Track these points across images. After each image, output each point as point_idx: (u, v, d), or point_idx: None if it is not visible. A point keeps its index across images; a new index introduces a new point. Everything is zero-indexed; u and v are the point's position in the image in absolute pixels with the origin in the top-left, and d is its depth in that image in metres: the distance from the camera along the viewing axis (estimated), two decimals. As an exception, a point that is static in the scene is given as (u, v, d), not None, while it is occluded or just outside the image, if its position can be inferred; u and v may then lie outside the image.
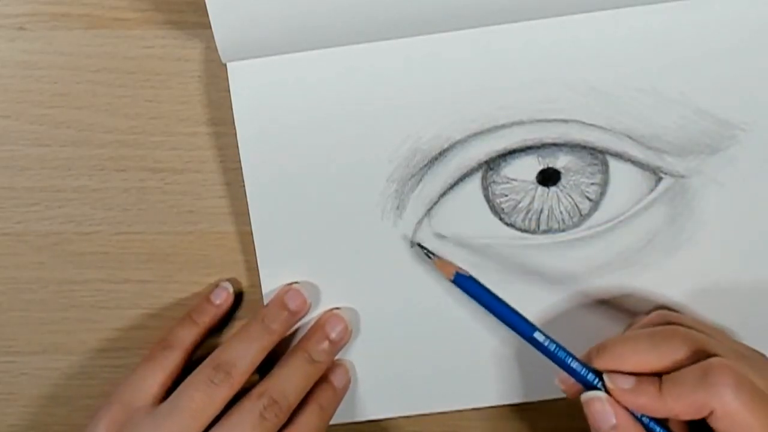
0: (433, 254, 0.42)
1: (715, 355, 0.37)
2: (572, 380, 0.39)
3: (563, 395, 0.46)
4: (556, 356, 0.40)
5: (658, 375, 0.38)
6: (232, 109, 0.41)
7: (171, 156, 0.43)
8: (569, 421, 0.47)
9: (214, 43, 0.38)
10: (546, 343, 0.40)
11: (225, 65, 0.40)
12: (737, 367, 0.36)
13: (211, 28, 0.37)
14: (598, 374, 0.39)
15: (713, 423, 0.36)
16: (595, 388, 0.39)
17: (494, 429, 0.47)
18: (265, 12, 0.37)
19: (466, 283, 0.42)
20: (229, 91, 0.40)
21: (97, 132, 0.43)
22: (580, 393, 0.39)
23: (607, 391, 0.38)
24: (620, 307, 0.44)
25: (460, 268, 0.42)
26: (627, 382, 0.38)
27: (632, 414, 0.38)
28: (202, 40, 0.42)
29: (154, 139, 0.43)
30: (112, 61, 0.42)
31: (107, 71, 0.42)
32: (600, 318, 0.44)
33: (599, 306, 0.44)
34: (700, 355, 0.37)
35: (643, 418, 0.38)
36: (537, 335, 0.40)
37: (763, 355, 0.40)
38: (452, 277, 0.42)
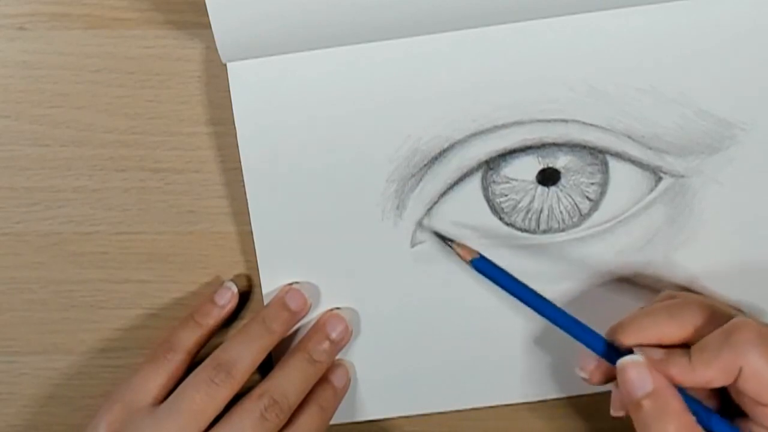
0: (450, 240, 0.42)
1: (734, 316, 0.37)
2: (593, 365, 0.39)
3: (563, 395, 0.46)
4: (585, 335, 0.39)
5: (685, 347, 0.38)
6: (232, 109, 0.41)
7: (171, 156, 0.43)
8: (569, 421, 0.47)
9: (214, 43, 0.38)
10: (573, 324, 0.40)
11: (225, 65, 0.40)
12: (759, 324, 0.36)
13: (211, 28, 0.37)
14: (624, 352, 0.38)
15: (743, 385, 0.36)
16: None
17: (494, 429, 0.47)
18: (265, 12, 0.37)
19: (485, 267, 0.42)
20: (229, 91, 0.40)
21: (97, 132, 0.43)
22: (602, 379, 0.39)
23: None
24: (620, 307, 0.44)
25: (479, 253, 0.42)
26: (657, 353, 0.38)
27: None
28: (202, 40, 0.42)
29: (154, 139, 0.43)
30: (112, 61, 0.42)
31: (107, 71, 0.42)
32: (600, 317, 0.44)
33: (599, 306, 0.44)
34: (721, 320, 0.37)
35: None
36: (563, 314, 0.40)
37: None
38: (471, 260, 0.42)
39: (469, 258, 0.42)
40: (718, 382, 0.37)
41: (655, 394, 0.37)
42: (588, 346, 0.40)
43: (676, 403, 0.37)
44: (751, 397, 0.36)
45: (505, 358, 0.45)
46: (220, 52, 0.39)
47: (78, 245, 0.44)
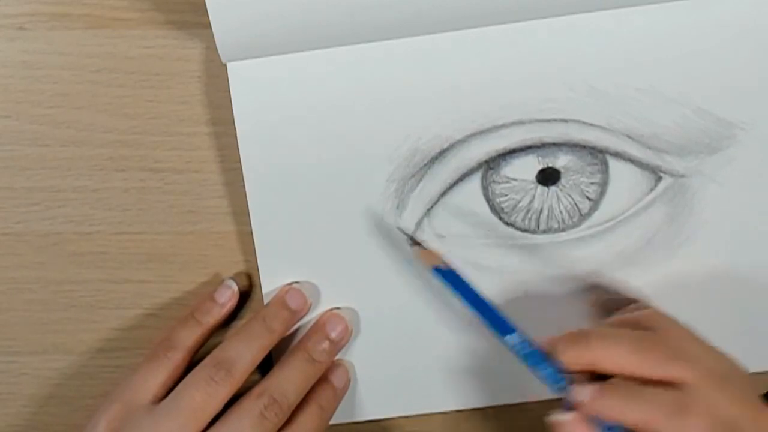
0: (415, 241, 0.42)
1: (691, 381, 0.37)
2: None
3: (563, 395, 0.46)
4: (528, 360, 0.39)
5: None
6: (232, 109, 0.41)
7: (171, 156, 0.43)
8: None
9: (214, 43, 0.38)
10: (516, 348, 0.39)
11: (225, 65, 0.40)
12: (712, 403, 0.36)
13: (211, 28, 0.37)
14: (566, 373, 0.38)
15: None
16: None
17: (494, 429, 0.47)
18: (265, 12, 0.37)
19: (446, 276, 0.41)
20: (229, 91, 0.40)
21: (97, 132, 0.43)
22: None
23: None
24: (620, 307, 0.44)
25: (443, 260, 0.41)
26: (589, 392, 0.37)
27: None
28: (202, 40, 0.42)
29: (154, 139, 0.43)
30: (112, 61, 0.42)
31: (107, 71, 0.42)
32: (599, 317, 0.44)
33: (599, 306, 0.44)
34: (677, 374, 0.37)
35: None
36: (509, 338, 0.39)
37: (739, 369, 0.39)
38: (432, 268, 0.41)
39: (429, 264, 0.41)
40: None
41: None
42: (532, 372, 0.39)
43: None
44: None
45: (505, 358, 0.45)
46: (220, 52, 0.39)
47: (78, 245, 0.44)
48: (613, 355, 0.38)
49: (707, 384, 0.37)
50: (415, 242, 0.42)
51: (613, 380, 0.38)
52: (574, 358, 0.38)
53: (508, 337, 0.39)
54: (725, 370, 0.38)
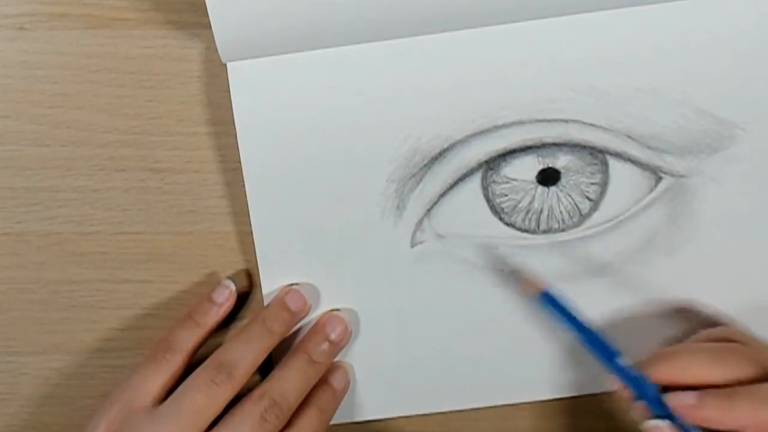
0: (516, 271, 0.42)
1: None
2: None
3: (563, 395, 0.46)
4: (633, 384, 0.39)
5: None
6: (232, 109, 0.41)
7: (171, 156, 0.43)
8: (569, 421, 0.47)
9: (214, 43, 0.38)
10: (625, 371, 0.39)
11: (225, 65, 0.40)
12: None
13: (211, 28, 0.37)
14: (647, 382, 0.39)
15: None
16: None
17: (494, 429, 0.47)
18: (265, 12, 0.37)
19: (551, 302, 0.41)
20: (229, 91, 0.40)
21: (97, 132, 0.43)
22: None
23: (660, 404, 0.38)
24: (619, 306, 0.44)
25: (546, 286, 0.42)
26: (690, 398, 0.38)
27: None
28: (202, 40, 0.42)
29: (154, 139, 0.43)
30: (112, 61, 0.42)
31: (107, 71, 0.42)
32: (600, 316, 0.44)
33: (599, 305, 0.44)
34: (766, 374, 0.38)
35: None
36: (618, 360, 0.40)
37: None
38: (536, 296, 0.42)
39: (533, 293, 0.42)
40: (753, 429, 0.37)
41: None
42: (636, 391, 0.39)
43: None
44: None
45: (505, 358, 0.45)
46: (220, 52, 0.39)
47: (78, 245, 0.44)
48: (693, 366, 0.39)
49: None
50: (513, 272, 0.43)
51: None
52: (661, 374, 0.39)
53: (614, 360, 0.40)
54: None
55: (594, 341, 0.40)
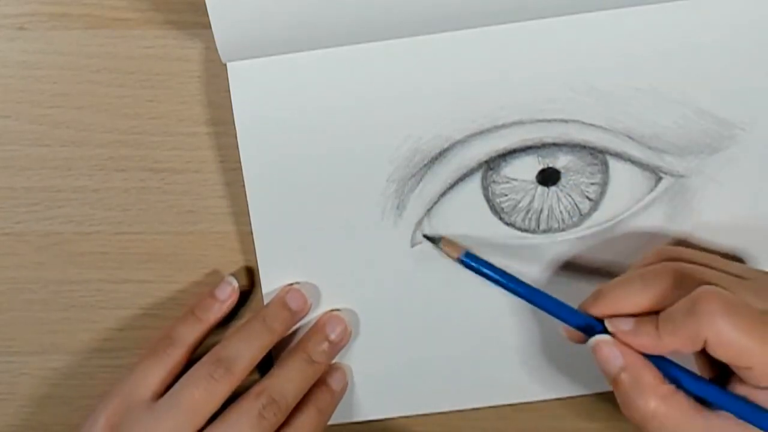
0: (437, 239, 0.42)
1: (706, 284, 0.36)
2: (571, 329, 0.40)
3: (563, 395, 0.46)
4: (559, 312, 0.40)
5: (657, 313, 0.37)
6: (232, 109, 0.41)
7: (171, 156, 0.43)
8: (569, 421, 0.47)
9: (214, 43, 0.38)
10: (549, 302, 0.40)
11: (225, 65, 0.40)
12: (726, 292, 0.36)
13: (211, 28, 0.37)
14: (600, 321, 0.39)
15: (712, 353, 0.36)
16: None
17: (494, 429, 0.47)
18: (265, 12, 0.37)
19: (473, 262, 0.42)
20: (229, 91, 0.40)
21: (97, 132, 0.43)
22: (582, 338, 0.39)
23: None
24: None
25: (466, 248, 0.42)
26: (626, 324, 0.38)
27: (640, 353, 0.37)
28: (202, 40, 0.42)
29: (154, 139, 0.43)
30: (112, 61, 0.42)
31: (107, 71, 0.42)
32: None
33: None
34: (691, 287, 0.37)
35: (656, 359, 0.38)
36: (542, 297, 0.40)
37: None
38: (459, 257, 0.42)
39: (456, 255, 0.42)
40: (686, 350, 0.36)
41: (628, 368, 0.37)
42: (566, 321, 0.40)
43: (649, 376, 0.37)
44: (724, 361, 0.36)
45: (505, 357, 0.45)
46: (220, 52, 0.39)
47: (78, 245, 0.44)
48: (627, 296, 0.38)
49: (724, 283, 0.37)
50: (434, 240, 0.42)
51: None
52: (600, 310, 0.39)
53: (540, 296, 0.40)
54: (748, 273, 0.39)
55: (527, 292, 0.41)
